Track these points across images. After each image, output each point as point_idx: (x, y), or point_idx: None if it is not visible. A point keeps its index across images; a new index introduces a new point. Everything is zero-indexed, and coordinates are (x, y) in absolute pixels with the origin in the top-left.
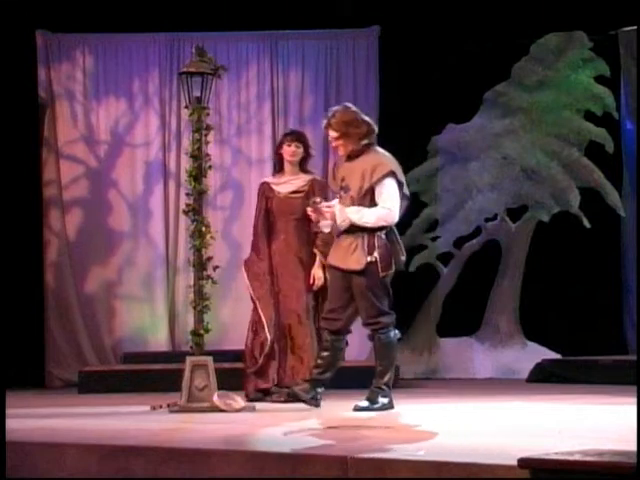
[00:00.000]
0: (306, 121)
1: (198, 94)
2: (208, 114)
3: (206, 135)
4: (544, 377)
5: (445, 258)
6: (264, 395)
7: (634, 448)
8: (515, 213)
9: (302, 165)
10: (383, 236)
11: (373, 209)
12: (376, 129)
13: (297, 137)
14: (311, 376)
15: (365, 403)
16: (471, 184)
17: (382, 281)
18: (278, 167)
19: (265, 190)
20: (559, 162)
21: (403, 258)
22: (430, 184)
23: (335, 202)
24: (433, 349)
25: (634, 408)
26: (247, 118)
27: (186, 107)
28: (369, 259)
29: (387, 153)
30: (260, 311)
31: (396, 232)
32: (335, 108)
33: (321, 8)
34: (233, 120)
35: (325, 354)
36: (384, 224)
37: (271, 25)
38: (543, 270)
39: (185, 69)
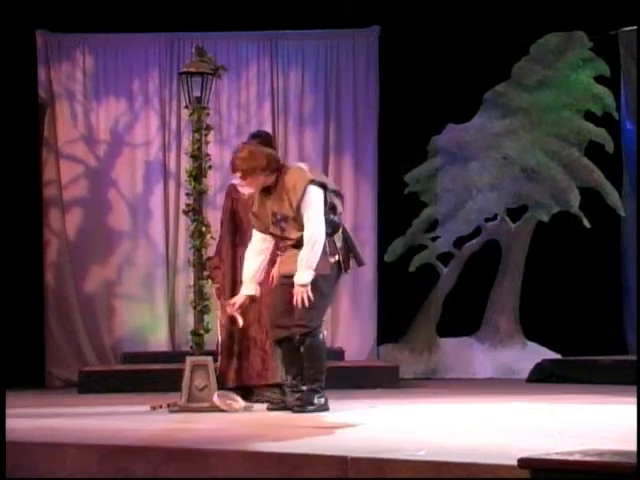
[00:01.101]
0: (306, 121)
1: (198, 94)
2: (208, 114)
3: (206, 135)
4: (544, 377)
5: (445, 258)
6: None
7: (634, 448)
8: (515, 213)
9: None
10: (338, 242)
11: (307, 250)
12: (276, 155)
13: (263, 141)
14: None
15: (308, 406)
16: (471, 184)
17: (333, 284)
18: None
19: (231, 191)
20: (559, 162)
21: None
22: (430, 184)
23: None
24: (433, 349)
25: (634, 408)
26: (247, 118)
27: (186, 107)
28: (332, 260)
29: (296, 164)
30: (219, 314)
31: (348, 233)
32: (235, 149)
33: (321, 8)
34: (233, 120)
35: (294, 361)
36: (320, 241)
37: (271, 25)
38: (543, 270)
39: (185, 69)
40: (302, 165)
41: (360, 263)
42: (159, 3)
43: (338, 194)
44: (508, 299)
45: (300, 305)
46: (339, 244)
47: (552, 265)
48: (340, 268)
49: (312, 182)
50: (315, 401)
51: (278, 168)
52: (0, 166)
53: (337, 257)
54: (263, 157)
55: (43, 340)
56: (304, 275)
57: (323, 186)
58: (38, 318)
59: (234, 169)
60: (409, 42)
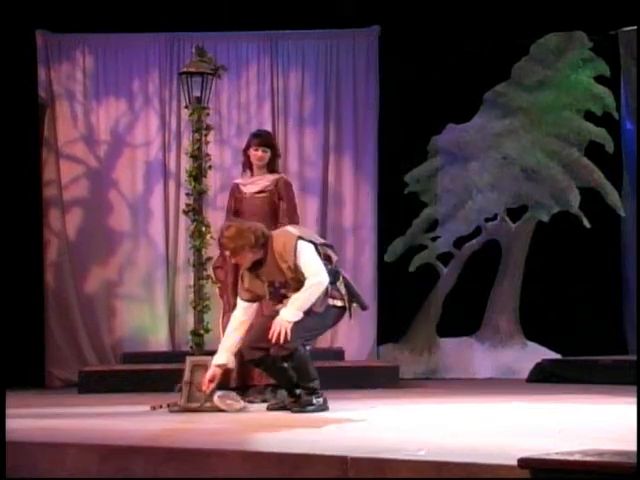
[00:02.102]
0: (306, 121)
1: (198, 94)
2: (208, 114)
3: (206, 135)
4: (544, 377)
5: (445, 258)
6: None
7: (634, 448)
8: (515, 213)
9: (270, 166)
10: (341, 288)
11: (303, 296)
12: (263, 228)
13: (264, 141)
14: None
15: (308, 407)
16: (471, 184)
17: (325, 323)
18: (246, 167)
19: (234, 191)
20: (559, 162)
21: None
22: (430, 184)
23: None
24: (433, 349)
25: (634, 408)
26: (247, 118)
27: (186, 107)
28: (332, 302)
29: (282, 229)
30: (221, 314)
31: (348, 280)
32: (222, 227)
33: (321, 8)
34: (233, 120)
35: (280, 377)
36: (322, 289)
37: (271, 25)
38: (543, 270)
39: (185, 69)
40: (288, 228)
41: (363, 308)
42: (159, 3)
43: (328, 245)
44: (508, 299)
45: (274, 340)
46: (343, 290)
47: (552, 265)
48: (342, 313)
49: (300, 238)
50: (314, 401)
51: (266, 241)
52: (0, 166)
53: (340, 303)
54: (251, 234)
55: (43, 340)
56: (291, 313)
57: (312, 242)
58: (38, 318)
59: (223, 247)
60: (409, 42)
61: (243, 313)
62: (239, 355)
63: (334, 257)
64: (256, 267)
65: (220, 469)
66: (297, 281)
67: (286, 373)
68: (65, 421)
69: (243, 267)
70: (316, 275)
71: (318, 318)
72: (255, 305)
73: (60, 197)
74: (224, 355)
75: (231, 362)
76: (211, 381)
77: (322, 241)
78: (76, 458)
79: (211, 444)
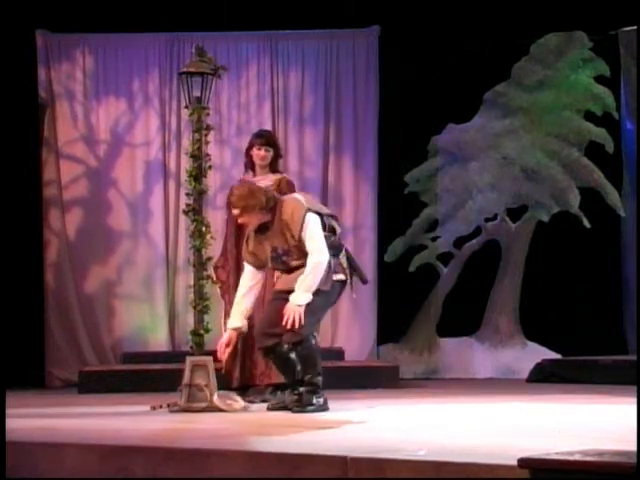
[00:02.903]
0: (306, 121)
1: (198, 94)
2: (208, 114)
3: (206, 135)
4: (544, 377)
5: (445, 258)
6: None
7: (634, 448)
8: (515, 213)
9: (272, 166)
10: (343, 260)
11: (309, 275)
12: (274, 193)
13: (267, 141)
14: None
15: (308, 407)
16: (471, 184)
17: (331, 300)
18: (249, 168)
19: None
20: (559, 162)
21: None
22: (430, 184)
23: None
24: (433, 349)
25: (634, 408)
26: (247, 118)
27: (186, 107)
28: (335, 278)
29: (290, 195)
30: (223, 314)
31: (350, 253)
32: (233, 186)
33: (321, 8)
34: (233, 120)
35: (288, 367)
36: (324, 267)
37: (271, 25)
38: (543, 270)
39: (185, 69)
40: (297, 196)
41: (364, 281)
42: (159, 3)
43: (333, 217)
44: (508, 299)
45: (289, 325)
46: (345, 264)
47: (552, 265)
48: (344, 286)
49: (309, 210)
50: (314, 401)
51: (275, 205)
52: (0, 166)
53: (343, 277)
54: (262, 195)
55: (43, 340)
56: (301, 297)
57: (318, 213)
58: (38, 318)
59: (232, 206)
60: (409, 42)
61: (251, 277)
62: (240, 356)
63: (338, 229)
64: (262, 230)
65: (220, 469)
66: (299, 250)
67: (293, 365)
68: (65, 421)
69: (249, 228)
70: (319, 252)
71: (325, 296)
72: (262, 274)
73: (60, 197)
74: (238, 319)
75: (245, 326)
76: (227, 345)
77: (327, 212)
78: (76, 458)
79: (211, 444)
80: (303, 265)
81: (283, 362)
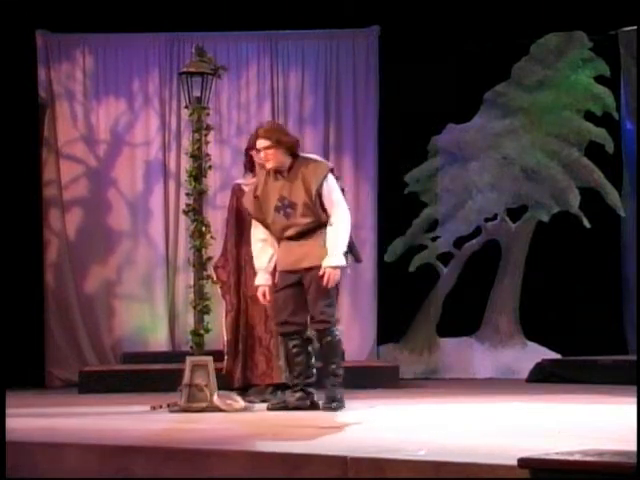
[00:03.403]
0: (306, 121)
1: (198, 94)
2: (208, 114)
3: (206, 135)
4: (544, 377)
5: (445, 258)
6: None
7: (634, 448)
8: (515, 213)
9: None
10: None
11: (338, 232)
12: (299, 144)
13: None
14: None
15: (333, 403)
16: (471, 184)
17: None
18: (248, 168)
19: (236, 190)
20: (559, 162)
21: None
22: (430, 184)
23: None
24: (433, 349)
25: (634, 408)
26: (247, 118)
27: (186, 107)
28: None
29: (311, 154)
30: (224, 314)
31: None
32: (258, 127)
33: (321, 8)
34: (233, 120)
35: (299, 359)
36: (349, 221)
37: (271, 25)
38: (543, 270)
39: (185, 69)
40: (317, 156)
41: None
42: (159, 3)
43: (343, 191)
44: (508, 299)
45: (331, 284)
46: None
47: (552, 265)
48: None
49: (331, 171)
50: (339, 396)
51: (296, 154)
52: (0, 166)
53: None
54: (293, 137)
55: (43, 340)
56: (336, 258)
57: (337, 178)
58: (38, 318)
59: (264, 136)
60: (409, 42)
61: (262, 230)
62: (241, 356)
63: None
64: (274, 177)
65: (220, 469)
66: (307, 208)
67: (308, 357)
68: (65, 421)
69: (267, 167)
70: (343, 207)
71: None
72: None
73: (60, 197)
74: (262, 276)
75: (270, 280)
76: (264, 297)
77: (340, 186)
78: (76, 458)
79: (211, 444)
80: (302, 228)
81: (297, 351)
